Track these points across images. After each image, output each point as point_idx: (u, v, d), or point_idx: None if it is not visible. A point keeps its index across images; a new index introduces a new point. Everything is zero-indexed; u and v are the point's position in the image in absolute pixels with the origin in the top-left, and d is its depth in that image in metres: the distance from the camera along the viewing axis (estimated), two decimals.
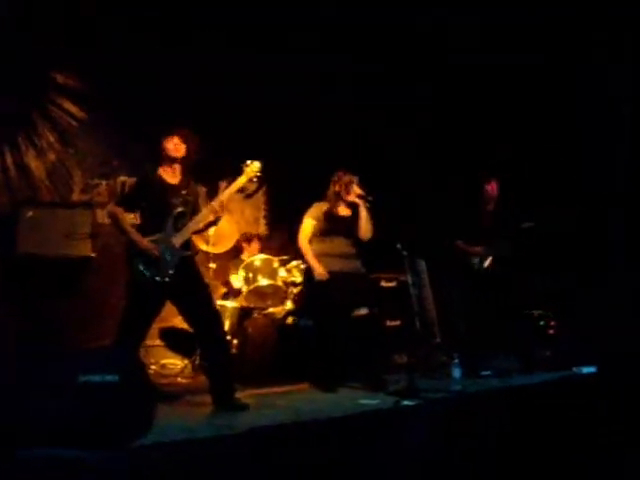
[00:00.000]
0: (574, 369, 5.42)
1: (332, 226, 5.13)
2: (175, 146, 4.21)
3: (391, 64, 6.91)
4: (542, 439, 4.48)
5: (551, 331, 6.13)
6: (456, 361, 5.35)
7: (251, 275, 5.85)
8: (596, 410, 4.96)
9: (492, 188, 5.79)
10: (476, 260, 5.68)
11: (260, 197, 7.43)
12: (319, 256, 5.09)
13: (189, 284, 4.17)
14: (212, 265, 5.98)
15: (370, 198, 5.03)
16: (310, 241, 5.16)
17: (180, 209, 4.18)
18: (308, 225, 5.17)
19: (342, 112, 6.97)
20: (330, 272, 5.01)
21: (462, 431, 4.09)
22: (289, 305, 5.97)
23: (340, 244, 5.14)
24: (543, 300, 6.28)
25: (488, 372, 5.40)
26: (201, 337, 4.26)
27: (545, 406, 4.70)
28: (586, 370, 5.41)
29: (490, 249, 5.66)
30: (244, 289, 5.90)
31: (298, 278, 5.99)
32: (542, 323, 6.16)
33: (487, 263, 5.66)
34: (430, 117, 7.22)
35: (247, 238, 6.55)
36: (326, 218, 5.14)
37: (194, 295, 4.19)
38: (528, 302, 6.17)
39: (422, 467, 3.84)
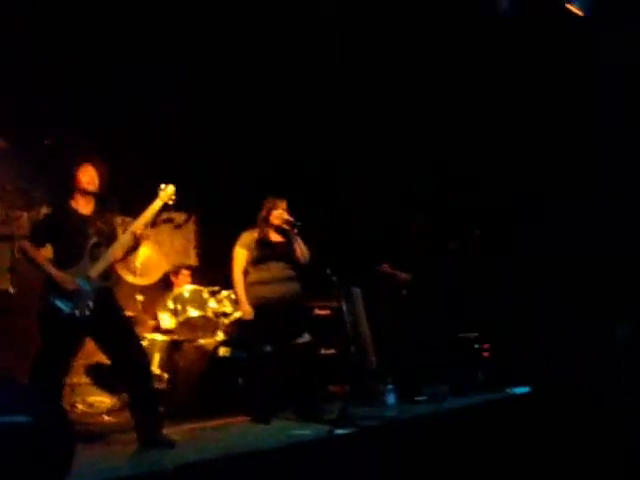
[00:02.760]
0: (507, 390, 5.46)
1: (267, 252, 5.01)
2: (90, 178, 4.09)
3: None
4: (476, 460, 4.48)
5: (485, 354, 6.18)
6: (390, 387, 5.31)
7: (180, 306, 5.72)
8: (529, 429, 5.01)
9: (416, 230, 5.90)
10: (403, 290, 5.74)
11: (190, 227, 7.31)
12: (257, 284, 4.96)
13: (109, 317, 4.02)
14: (139, 297, 5.81)
15: (298, 223, 4.97)
16: (246, 271, 5.02)
17: (95, 239, 4.04)
18: (240, 255, 5.04)
19: (274, 140, 6.95)
20: (270, 299, 4.89)
21: (397, 457, 4.05)
22: (220, 336, 5.85)
23: (277, 268, 5.01)
24: (477, 323, 6.33)
25: (423, 397, 5.38)
26: (123, 372, 4.10)
27: (478, 427, 4.71)
28: (519, 390, 5.46)
29: (418, 274, 5.71)
30: (173, 323, 5.75)
31: (229, 308, 5.89)
32: (476, 346, 6.20)
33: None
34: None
35: (175, 271, 6.39)
36: (258, 245, 5.03)
37: (115, 329, 4.04)
38: (462, 326, 6.21)
39: None
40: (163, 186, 4.31)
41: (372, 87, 6.78)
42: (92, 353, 5.20)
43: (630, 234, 5.86)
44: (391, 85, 6.78)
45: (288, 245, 5.06)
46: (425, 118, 6.91)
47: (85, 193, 4.10)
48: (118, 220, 4.44)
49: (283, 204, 5.08)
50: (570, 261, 6.20)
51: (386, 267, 5.81)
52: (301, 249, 5.03)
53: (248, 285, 4.98)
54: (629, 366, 5.39)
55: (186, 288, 5.86)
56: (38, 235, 4.07)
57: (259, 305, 4.91)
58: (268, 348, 4.92)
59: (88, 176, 4.08)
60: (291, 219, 5.01)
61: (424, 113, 6.89)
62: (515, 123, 6.57)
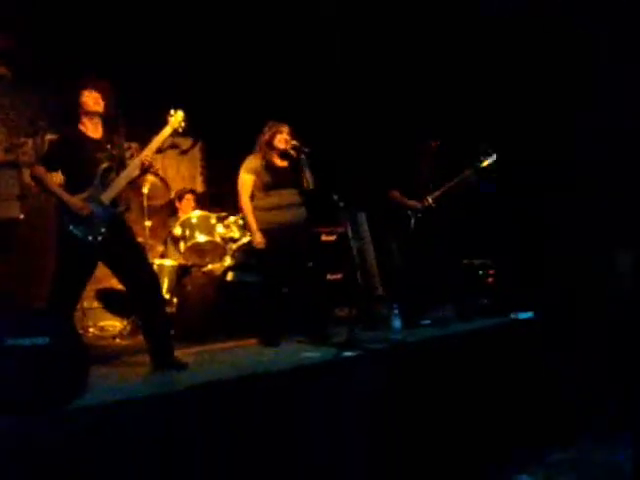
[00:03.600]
0: (511, 315, 5.54)
1: (275, 178, 4.94)
2: (95, 99, 4.01)
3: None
4: (479, 384, 4.59)
5: (490, 280, 6.24)
6: (396, 312, 5.38)
7: (188, 232, 5.73)
8: (533, 354, 5.11)
9: (434, 147, 5.84)
10: (410, 213, 5.73)
11: (196, 153, 7.30)
12: (265, 210, 4.92)
13: (121, 242, 4.04)
14: (147, 223, 5.83)
15: (306, 149, 4.91)
16: (253, 197, 4.98)
17: (106, 164, 4.01)
18: (247, 180, 4.95)
19: (278, 63, 6.84)
20: (282, 225, 4.88)
21: (402, 379, 4.15)
22: (228, 261, 5.89)
23: (287, 194, 4.96)
24: (483, 249, 6.37)
25: (427, 321, 5.47)
26: (136, 297, 4.15)
27: (482, 351, 4.80)
28: (523, 316, 5.53)
29: (426, 201, 5.71)
30: (182, 247, 5.79)
31: (236, 234, 5.90)
32: (481, 272, 6.26)
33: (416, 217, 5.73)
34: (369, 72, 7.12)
35: (179, 195, 6.38)
36: (266, 171, 4.94)
37: (127, 254, 4.06)
38: (468, 251, 6.25)
39: (365, 417, 3.89)
40: (172, 112, 4.26)
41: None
42: (102, 278, 5.29)
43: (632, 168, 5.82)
44: None
45: (294, 171, 5.00)
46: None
47: (92, 115, 4.05)
48: (126, 145, 4.40)
49: (287, 129, 4.98)
50: (574, 190, 6.18)
51: (395, 193, 5.80)
52: (307, 177, 4.95)
53: (258, 211, 4.93)
54: (630, 296, 5.46)
55: (194, 214, 5.86)
56: (51, 160, 4.03)
57: (270, 230, 4.89)
58: (277, 272, 4.98)
59: (92, 98, 4.00)
60: (298, 144, 4.94)
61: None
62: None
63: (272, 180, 4.93)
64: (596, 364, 5.17)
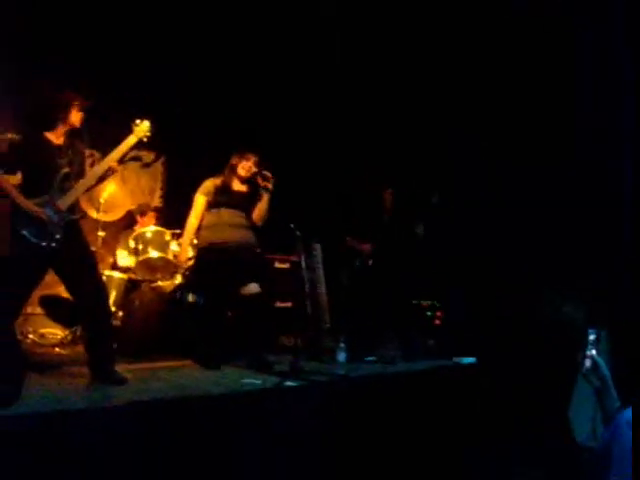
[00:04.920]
0: (454, 359, 5.61)
1: (221, 199, 5.03)
2: (81, 119, 4.07)
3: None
4: (418, 424, 4.62)
5: (437, 321, 6.31)
6: (342, 345, 5.40)
7: (141, 246, 5.68)
8: (471, 398, 5.17)
9: (388, 199, 5.95)
10: (358, 260, 5.83)
11: (158, 167, 7.26)
12: (206, 229, 5.00)
13: (74, 250, 3.99)
14: (101, 233, 5.77)
15: (270, 175, 4.96)
16: (203, 217, 5.07)
17: (66, 170, 3.98)
18: (199, 201, 5.08)
19: (249, 86, 6.89)
20: (224, 244, 4.91)
21: (342, 413, 4.15)
22: (179, 279, 5.85)
23: (229, 214, 5.02)
24: (430, 291, 6.44)
25: (372, 358, 5.50)
26: (82, 306, 4.09)
27: (422, 391, 4.84)
28: (466, 360, 5.61)
29: (380, 245, 5.80)
30: (132, 261, 5.73)
31: (190, 253, 5.87)
32: (429, 313, 6.33)
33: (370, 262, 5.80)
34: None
35: (142, 210, 6.37)
36: (217, 192, 5.06)
37: (78, 262, 4.00)
38: (416, 292, 6.32)
39: (302, 446, 3.88)
40: (138, 121, 4.25)
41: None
42: (48, 284, 5.17)
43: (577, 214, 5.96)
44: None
45: (250, 198, 5.08)
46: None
47: (68, 129, 4.05)
48: (87, 153, 4.35)
49: (254, 158, 5.08)
50: (525, 238, 6.31)
51: (349, 240, 5.89)
52: (260, 210, 5.05)
53: (203, 229, 5.05)
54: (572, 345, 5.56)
55: (149, 228, 5.82)
56: (9, 162, 3.98)
57: (206, 249, 4.98)
58: (217, 292, 4.96)
59: (79, 117, 4.04)
60: (258, 171, 5.02)
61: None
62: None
63: (221, 200, 5.03)
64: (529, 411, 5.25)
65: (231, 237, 4.97)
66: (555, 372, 5.20)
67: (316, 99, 7.02)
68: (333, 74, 6.95)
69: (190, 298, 5.60)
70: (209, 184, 5.09)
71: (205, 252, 5.01)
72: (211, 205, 5.04)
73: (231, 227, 5.00)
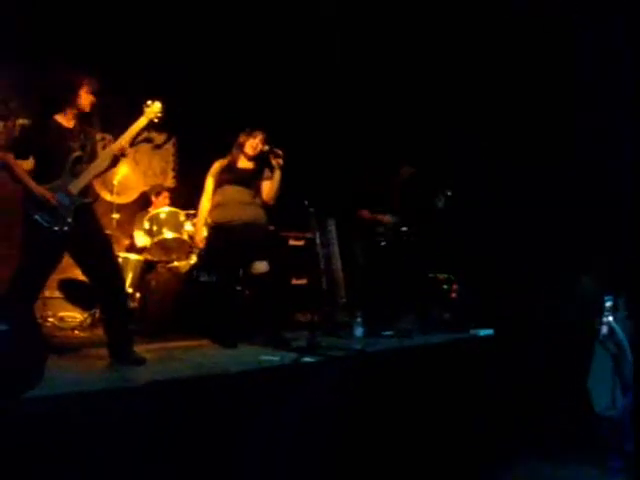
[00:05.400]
0: (471, 331, 5.61)
1: (228, 177, 5.01)
2: (90, 101, 4.02)
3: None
4: (435, 396, 4.64)
5: (453, 295, 6.31)
6: (359, 320, 5.41)
7: (156, 227, 5.71)
8: (489, 370, 5.18)
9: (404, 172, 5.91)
10: (381, 229, 5.78)
11: (169, 149, 7.26)
12: (220, 206, 4.96)
13: (88, 234, 4.00)
14: (115, 216, 5.80)
15: (279, 152, 4.94)
16: (213, 195, 5.06)
17: (77, 153, 3.98)
18: (209, 183, 5.07)
19: (259, 67, 6.85)
20: (232, 221, 4.89)
21: (360, 388, 4.17)
22: (194, 259, 5.87)
23: (233, 191, 4.98)
24: (447, 264, 6.43)
25: (389, 332, 5.50)
26: (99, 289, 4.11)
27: (441, 365, 4.85)
28: (483, 333, 5.61)
29: (397, 217, 5.77)
30: (148, 242, 5.76)
31: (204, 233, 5.89)
32: (445, 287, 6.32)
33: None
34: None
35: (157, 191, 6.40)
36: (223, 170, 5.04)
37: (93, 245, 4.02)
38: (432, 265, 6.31)
39: (322, 422, 3.91)
40: (149, 102, 4.23)
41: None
42: (66, 268, 5.21)
43: (597, 192, 5.94)
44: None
45: (255, 175, 5.06)
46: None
47: (78, 112, 4.04)
48: (98, 137, 4.36)
49: (261, 135, 5.04)
50: (541, 212, 6.28)
51: (365, 212, 5.85)
52: (272, 189, 5.01)
53: (212, 209, 5.02)
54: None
55: (163, 209, 5.84)
56: (22, 147, 3.99)
57: (214, 229, 4.99)
58: (229, 271, 4.97)
59: (88, 99, 4.00)
60: (267, 149, 4.99)
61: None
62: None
63: (229, 178, 5.01)
64: (547, 382, 5.26)
65: (237, 215, 4.92)
66: (573, 342, 5.20)
67: (326, 76, 6.97)
68: (341, 61, 6.91)
69: (204, 277, 5.61)
70: (216, 165, 5.09)
71: (213, 231, 5.01)
72: (219, 184, 5.03)
73: (237, 205, 4.95)
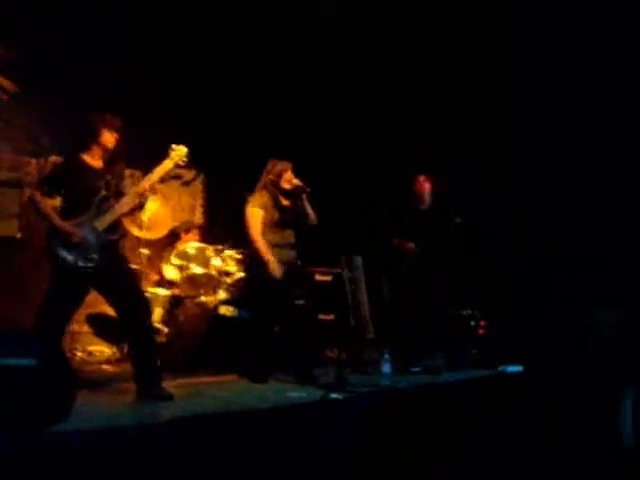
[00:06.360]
0: (500, 368, 5.52)
1: (282, 217, 5.05)
2: (114, 140, 4.12)
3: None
4: (468, 435, 4.55)
5: (480, 331, 6.23)
6: (387, 356, 5.36)
7: (184, 263, 5.75)
8: (521, 408, 5.08)
9: (422, 185, 5.87)
10: (407, 257, 5.75)
11: (197, 185, 7.34)
12: (273, 247, 4.96)
13: (114, 270, 4.06)
14: (144, 251, 5.85)
15: (308, 189, 4.98)
16: (262, 232, 4.99)
17: (104, 193, 4.06)
18: (258, 214, 4.98)
19: (281, 101, 6.93)
20: (281, 263, 4.93)
21: (388, 425, 4.11)
22: (222, 295, 5.89)
23: (289, 235, 5.11)
24: (473, 300, 6.37)
25: (418, 368, 5.45)
26: (127, 324, 4.15)
27: (470, 402, 4.77)
28: (512, 369, 5.52)
29: (420, 247, 5.74)
30: (177, 276, 5.80)
31: (232, 267, 5.92)
32: (472, 323, 6.25)
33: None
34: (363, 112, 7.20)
35: (187, 227, 6.46)
36: (275, 208, 5.04)
37: (119, 281, 4.08)
38: (459, 301, 6.25)
39: (348, 459, 3.85)
40: (175, 146, 4.28)
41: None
42: (94, 303, 5.25)
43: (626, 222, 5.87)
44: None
45: (296, 211, 5.08)
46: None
47: (103, 151, 4.12)
48: (127, 172, 4.43)
49: (290, 166, 5.08)
50: (567, 246, 6.22)
51: (396, 241, 5.84)
52: (310, 213, 5.07)
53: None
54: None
55: (191, 245, 5.89)
56: (48, 185, 4.08)
57: (265, 266, 4.91)
58: (270, 309, 4.98)
59: (112, 138, 4.10)
60: (300, 184, 5.01)
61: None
62: None
63: (279, 218, 5.03)
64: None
65: (285, 258, 5.02)
66: (608, 380, 5.10)
67: (340, 110, 7.03)
68: (357, 86, 6.98)
69: (240, 313, 5.62)
70: (262, 198, 5.03)
71: (262, 269, 4.93)
72: (270, 223, 5.00)
73: (286, 247, 5.08)
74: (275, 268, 4.86)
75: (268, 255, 4.88)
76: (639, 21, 5.75)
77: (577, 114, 6.16)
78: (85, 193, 4.04)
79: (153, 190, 4.17)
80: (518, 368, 5.53)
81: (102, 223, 4.02)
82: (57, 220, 3.94)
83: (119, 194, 4.18)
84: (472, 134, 6.59)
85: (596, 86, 6.08)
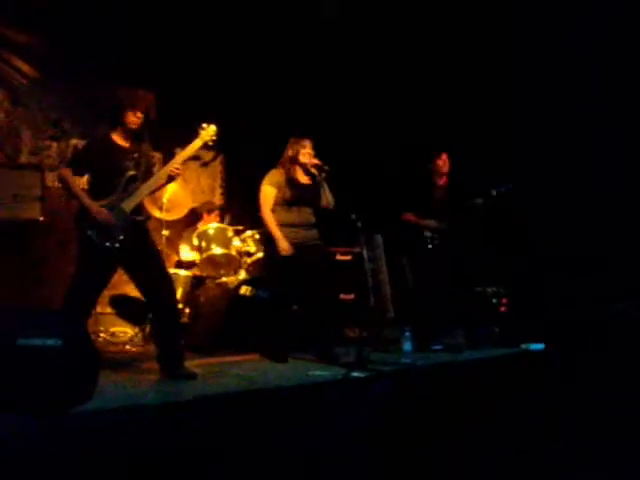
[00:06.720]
0: (522, 346, 5.50)
1: (297, 194, 4.94)
2: (139, 119, 4.07)
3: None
4: (488, 413, 4.55)
5: (502, 308, 6.20)
6: (407, 334, 5.36)
7: (204, 244, 5.78)
8: (543, 386, 5.06)
9: (443, 162, 5.81)
10: (428, 233, 5.70)
11: (217, 166, 7.34)
12: (284, 226, 4.89)
13: (140, 250, 4.07)
14: (165, 232, 5.88)
15: (326, 168, 4.93)
16: (273, 210, 4.93)
17: (132, 172, 4.06)
18: (270, 193, 4.92)
19: (300, 81, 6.90)
20: (298, 242, 4.87)
21: (409, 403, 4.12)
22: (242, 275, 5.91)
23: (305, 214, 4.98)
24: (496, 277, 6.33)
25: (439, 346, 5.44)
26: (152, 304, 4.17)
27: (492, 380, 4.76)
28: (534, 347, 5.49)
29: (442, 222, 5.69)
30: (197, 258, 5.83)
31: (252, 248, 5.94)
32: (494, 300, 6.22)
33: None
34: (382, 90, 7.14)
35: (209, 208, 6.47)
36: (289, 186, 4.93)
37: (145, 261, 4.09)
38: (481, 279, 6.22)
39: (369, 437, 3.87)
40: (205, 125, 4.28)
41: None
42: (117, 285, 5.33)
43: None
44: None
45: (314, 189, 5.03)
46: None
47: (129, 129, 4.12)
48: (155, 155, 4.45)
49: (309, 143, 4.99)
50: (591, 225, 6.16)
51: (410, 216, 5.79)
52: (327, 196, 5.00)
53: (278, 225, 4.90)
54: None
55: (211, 226, 5.91)
56: (79, 163, 4.10)
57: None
58: (288, 288, 4.98)
59: (137, 118, 4.05)
60: (319, 163, 4.95)
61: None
62: None
63: (294, 195, 4.92)
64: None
65: (303, 237, 4.93)
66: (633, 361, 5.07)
67: (358, 90, 6.99)
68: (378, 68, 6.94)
69: (260, 293, 5.63)
70: (276, 176, 4.96)
71: (273, 247, 4.87)
72: (285, 201, 4.92)
73: (304, 227, 4.96)
74: (284, 246, 4.80)
75: (277, 233, 4.84)
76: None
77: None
78: (113, 173, 4.04)
79: (178, 172, 4.17)
80: (540, 346, 5.50)
81: (130, 204, 4.03)
82: (87, 200, 3.94)
83: (149, 173, 4.19)
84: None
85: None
